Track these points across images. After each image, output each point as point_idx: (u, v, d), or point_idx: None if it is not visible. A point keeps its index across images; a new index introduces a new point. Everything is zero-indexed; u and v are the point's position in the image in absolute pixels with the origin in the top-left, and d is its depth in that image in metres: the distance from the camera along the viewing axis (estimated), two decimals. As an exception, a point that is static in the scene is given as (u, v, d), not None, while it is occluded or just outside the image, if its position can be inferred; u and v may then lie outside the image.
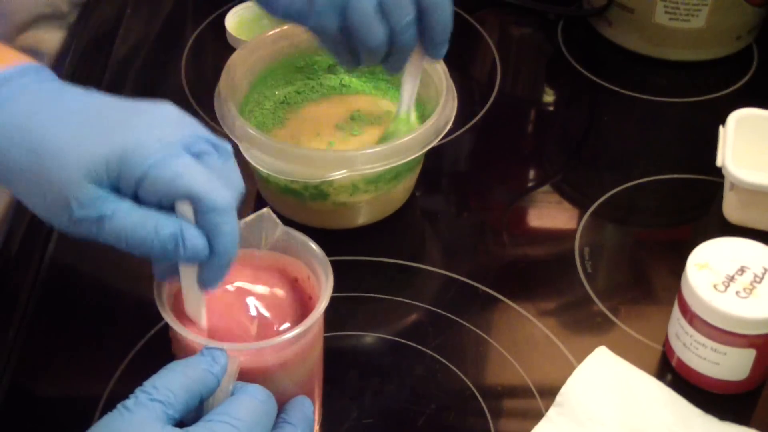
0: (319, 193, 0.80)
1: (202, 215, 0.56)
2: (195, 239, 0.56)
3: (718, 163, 0.83)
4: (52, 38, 0.98)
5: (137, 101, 0.59)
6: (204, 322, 0.61)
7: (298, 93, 0.88)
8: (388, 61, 0.76)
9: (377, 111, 0.87)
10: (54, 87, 0.60)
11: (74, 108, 0.58)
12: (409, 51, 0.76)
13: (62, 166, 0.55)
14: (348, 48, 0.75)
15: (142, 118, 0.57)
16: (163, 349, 0.64)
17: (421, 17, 0.74)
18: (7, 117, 0.57)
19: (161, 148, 0.56)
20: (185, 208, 0.56)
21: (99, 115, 0.57)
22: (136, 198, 0.57)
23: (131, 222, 0.56)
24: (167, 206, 0.57)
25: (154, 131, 0.56)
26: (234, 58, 0.84)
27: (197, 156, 0.57)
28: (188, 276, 0.59)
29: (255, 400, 0.56)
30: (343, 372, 0.74)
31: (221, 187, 0.57)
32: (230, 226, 0.57)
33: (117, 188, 0.56)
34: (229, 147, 0.59)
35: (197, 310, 0.61)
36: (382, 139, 0.83)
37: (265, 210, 0.65)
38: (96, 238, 0.57)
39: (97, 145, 0.56)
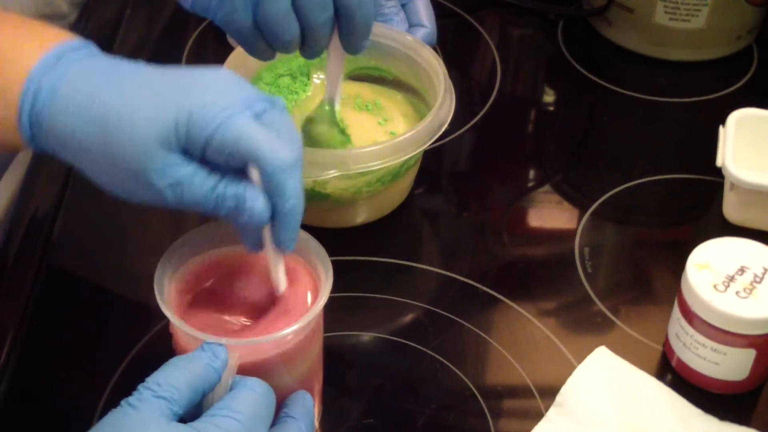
0: (318, 191, 0.80)
1: (266, 176, 0.57)
2: (255, 201, 0.57)
3: (718, 163, 0.83)
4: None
5: (190, 68, 0.59)
6: (283, 286, 0.63)
7: (298, 92, 0.88)
8: (304, 51, 0.74)
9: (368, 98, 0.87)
10: (107, 61, 0.60)
11: (132, 79, 0.59)
12: (324, 44, 0.74)
13: (133, 136, 0.56)
14: (261, 41, 0.73)
15: (201, 81, 0.58)
16: (163, 350, 0.64)
17: (339, 11, 0.72)
18: (68, 94, 0.58)
19: (225, 108, 0.56)
20: (253, 171, 0.57)
21: (158, 84, 0.58)
22: (203, 160, 0.57)
23: (205, 186, 0.57)
24: (236, 167, 0.57)
25: (215, 93, 0.57)
26: (234, 55, 0.84)
27: (258, 115, 0.58)
28: (269, 241, 0.60)
29: (255, 393, 0.56)
30: (343, 372, 0.74)
31: (283, 146, 0.57)
32: (294, 184, 0.58)
33: (185, 151, 0.57)
34: (282, 101, 0.60)
35: (277, 274, 0.62)
36: (305, 122, 0.82)
37: None
38: (172, 205, 0.58)
39: (163, 111, 0.56)
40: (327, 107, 0.81)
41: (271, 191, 0.57)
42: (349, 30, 0.73)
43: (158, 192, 0.57)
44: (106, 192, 0.60)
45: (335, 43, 0.75)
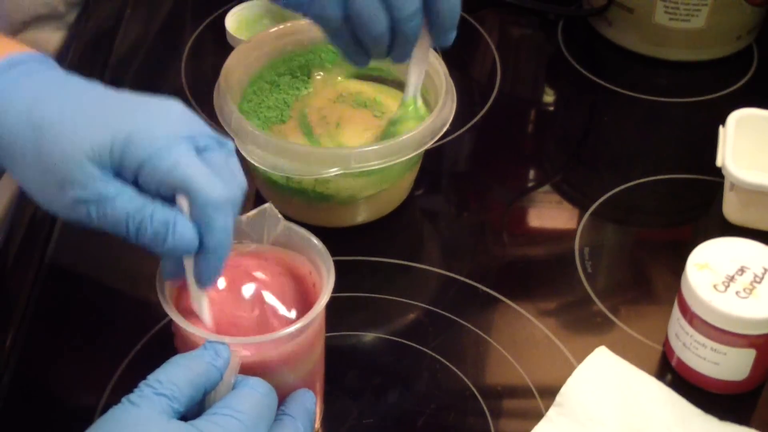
0: (319, 191, 0.80)
1: (196, 208, 0.56)
2: (184, 229, 0.56)
3: (718, 163, 0.83)
4: (50, 38, 0.98)
5: (142, 95, 0.59)
6: (207, 318, 0.62)
7: (299, 89, 0.88)
8: (394, 50, 0.74)
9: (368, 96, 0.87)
10: (58, 75, 0.60)
11: (79, 94, 0.58)
12: (414, 40, 0.74)
13: (65, 146, 0.56)
14: (353, 39, 0.73)
15: (149, 109, 0.58)
16: (163, 349, 0.64)
17: (428, 3, 0.72)
18: (11, 101, 0.58)
19: (165, 137, 0.56)
20: (183, 201, 0.57)
21: (104, 102, 0.58)
22: (136, 186, 0.57)
23: (130, 206, 0.56)
24: (166, 196, 0.57)
25: (160, 122, 0.57)
26: (235, 53, 0.84)
27: (200, 151, 0.58)
28: (191, 272, 0.60)
29: (257, 392, 0.56)
30: (343, 372, 0.74)
31: (218, 182, 0.57)
32: (223, 221, 0.57)
33: (118, 174, 0.57)
34: (231, 145, 0.60)
35: (200, 307, 0.61)
36: (389, 125, 0.82)
37: (267, 205, 0.65)
38: (94, 222, 0.57)
39: (102, 127, 0.56)
40: (411, 106, 0.82)
41: (199, 225, 0.57)
42: (438, 19, 0.73)
43: (82, 206, 0.56)
44: (35, 202, 0.59)
45: (421, 39, 0.75)
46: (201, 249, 0.58)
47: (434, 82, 0.83)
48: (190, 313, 0.63)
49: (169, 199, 0.57)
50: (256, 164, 0.77)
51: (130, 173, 0.57)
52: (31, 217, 0.84)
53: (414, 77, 0.81)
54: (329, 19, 0.72)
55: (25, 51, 0.61)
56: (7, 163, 0.59)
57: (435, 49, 0.87)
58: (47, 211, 0.59)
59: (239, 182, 0.59)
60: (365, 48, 0.74)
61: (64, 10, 1.00)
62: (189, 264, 0.59)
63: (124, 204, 0.56)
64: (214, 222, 0.57)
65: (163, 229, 0.56)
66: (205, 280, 0.59)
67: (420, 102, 0.82)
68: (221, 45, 1.01)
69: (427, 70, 0.84)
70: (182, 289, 0.64)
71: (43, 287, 0.79)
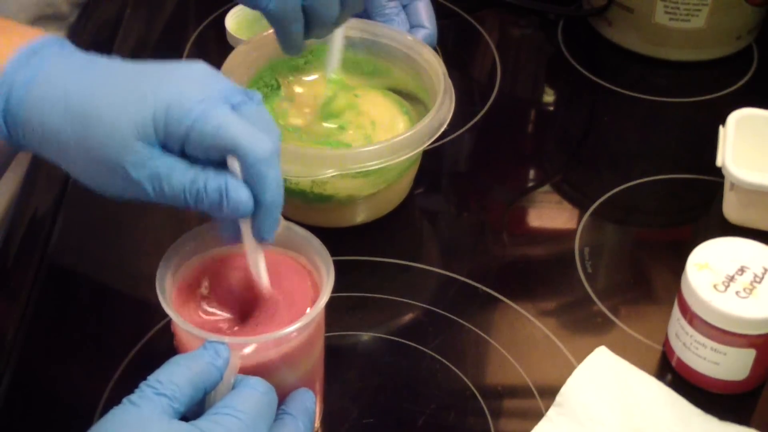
0: (317, 192, 0.80)
1: (247, 167, 0.57)
2: (238, 191, 0.57)
3: (718, 163, 0.83)
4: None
5: (164, 62, 0.60)
6: (265, 279, 0.63)
7: (299, 90, 0.88)
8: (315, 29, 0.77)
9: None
10: (81, 56, 0.60)
11: (108, 74, 0.59)
12: (347, 17, 0.78)
13: (111, 130, 0.56)
14: (300, 28, 0.75)
15: (179, 75, 0.58)
16: (164, 349, 0.64)
17: None
18: (43, 90, 0.58)
19: (203, 100, 0.57)
20: (233, 162, 0.57)
21: (134, 78, 0.58)
22: (183, 154, 0.57)
23: (184, 179, 0.57)
24: (215, 159, 0.57)
25: (193, 86, 0.57)
26: (234, 54, 0.84)
27: (235, 108, 0.58)
28: (248, 233, 0.60)
29: (257, 392, 0.56)
30: (343, 372, 0.74)
31: (262, 137, 0.57)
32: (274, 175, 0.58)
33: (164, 145, 0.57)
34: (259, 95, 0.60)
35: (257, 268, 0.62)
36: (324, 105, 0.84)
37: None
38: (152, 199, 0.57)
39: (141, 104, 0.56)
40: (336, 78, 0.84)
41: (252, 182, 0.58)
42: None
43: (138, 185, 0.57)
44: (87, 187, 0.60)
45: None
46: (258, 206, 0.58)
47: (432, 82, 0.83)
48: (189, 314, 0.63)
49: (219, 161, 0.58)
50: None
51: (177, 143, 0.57)
52: (31, 217, 0.84)
53: (336, 52, 0.84)
54: (289, 9, 0.73)
55: (41, 35, 0.60)
56: (53, 154, 0.59)
57: (435, 49, 0.87)
58: (102, 195, 0.59)
59: (277, 132, 0.60)
60: (309, 32, 0.76)
61: (67, 10, 1.00)
62: (245, 226, 0.60)
63: (178, 178, 0.57)
64: (267, 177, 0.57)
65: (218, 196, 0.57)
66: (266, 236, 0.60)
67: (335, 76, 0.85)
68: (221, 45, 1.01)
69: (426, 70, 0.84)
70: (182, 290, 0.64)
71: (43, 287, 0.79)
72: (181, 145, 0.57)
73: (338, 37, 0.84)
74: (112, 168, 0.57)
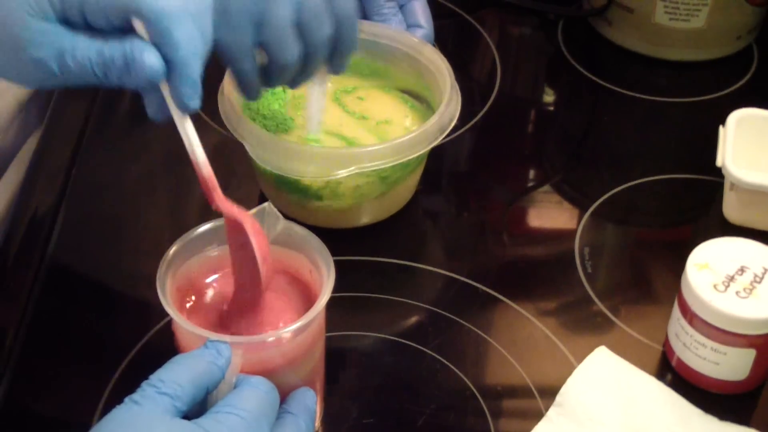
0: (324, 191, 0.80)
1: (150, 27, 0.54)
2: (144, 55, 0.54)
3: (718, 163, 0.83)
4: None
5: None
6: (199, 150, 0.59)
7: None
8: (294, 78, 0.72)
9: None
10: None
11: None
12: (316, 68, 0.73)
13: (6, 9, 0.53)
14: (252, 66, 0.70)
15: None
16: (164, 349, 0.64)
17: (333, 32, 0.71)
18: None
19: None
20: (138, 26, 0.54)
21: None
22: (88, 27, 0.54)
23: (89, 52, 0.54)
24: (121, 26, 0.54)
25: None
26: None
27: None
28: (171, 103, 0.57)
29: (258, 391, 0.56)
30: (343, 372, 0.74)
31: None
32: (183, 32, 0.54)
33: (66, 20, 0.54)
34: None
35: (188, 138, 0.58)
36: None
37: (266, 204, 0.65)
38: (60, 79, 0.55)
39: None
40: (312, 137, 0.81)
41: (160, 43, 0.54)
42: (340, 46, 0.72)
43: (43, 65, 0.54)
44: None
45: (321, 73, 0.75)
46: (171, 68, 0.55)
47: (436, 80, 0.83)
48: (189, 313, 0.63)
49: (126, 28, 0.54)
50: (270, 169, 0.77)
51: (76, 14, 0.54)
52: (31, 217, 0.84)
53: (315, 109, 0.80)
54: (240, 46, 0.68)
55: None
56: None
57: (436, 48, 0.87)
58: (16, 82, 0.57)
59: None
60: (269, 77, 0.71)
61: None
62: (167, 93, 0.57)
63: (83, 51, 0.54)
64: (173, 35, 0.54)
65: (124, 62, 0.54)
66: (185, 101, 0.56)
67: (321, 135, 0.82)
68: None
69: (429, 68, 0.84)
70: (182, 290, 0.64)
71: (43, 287, 0.79)
72: (82, 17, 0.54)
73: (315, 94, 0.80)
74: (14, 49, 0.54)
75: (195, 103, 0.57)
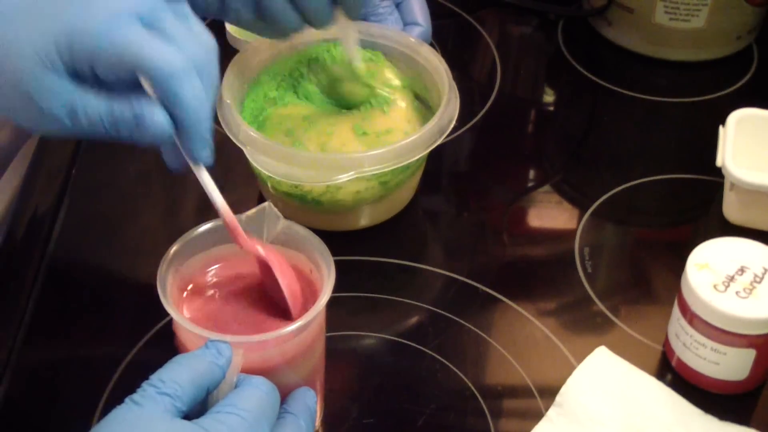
0: (324, 197, 0.80)
1: (157, 86, 0.54)
2: (153, 115, 0.54)
3: (718, 163, 0.83)
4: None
5: None
6: (219, 199, 0.60)
7: (300, 95, 0.88)
8: (316, 14, 0.74)
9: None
10: None
11: (13, 2, 0.55)
12: (327, 19, 0.75)
13: (18, 61, 0.53)
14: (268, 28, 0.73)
15: None
16: (163, 349, 0.64)
17: None
18: None
19: (108, 19, 0.53)
20: (146, 83, 0.54)
21: (37, 2, 0.55)
22: (98, 80, 0.54)
23: (99, 108, 0.54)
24: (128, 80, 0.54)
25: (98, 4, 0.54)
26: (236, 60, 0.84)
27: (149, 23, 0.54)
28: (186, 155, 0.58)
29: (259, 391, 0.56)
30: (343, 372, 0.74)
31: (172, 51, 0.54)
32: (189, 90, 0.54)
33: (75, 72, 0.54)
34: (184, 5, 0.57)
35: (206, 186, 0.60)
36: (330, 83, 0.83)
37: (266, 204, 0.65)
38: (70, 130, 0.55)
39: (44, 30, 0.53)
40: (348, 66, 0.82)
41: (167, 102, 0.55)
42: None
43: (54, 118, 0.54)
44: (9, 120, 0.57)
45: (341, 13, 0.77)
46: (179, 126, 0.55)
47: (434, 80, 0.83)
48: (190, 313, 0.63)
49: (136, 83, 0.55)
50: (269, 174, 0.77)
51: (86, 68, 0.54)
52: (31, 217, 0.84)
53: (348, 46, 0.81)
54: (245, 23, 0.71)
55: None
56: None
57: (431, 46, 0.87)
58: (33, 132, 0.58)
59: (202, 42, 0.56)
60: (301, 11, 0.73)
61: None
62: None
63: (93, 107, 0.54)
64: (180, 94, 0.54)
65: (134, 122, 0.54)
66: (196, 156, 0.57)
67: (358, 64, 0.82)
68: (222, 45, 1.00)
69: (428, 69, 0.83)
70: (183, 289, 0.64)
71: (43, 287, 0.79)
72: (92, 71, 0.54)
73: (350, 30, 0.80)
74: (25, 101, 0.54)
75: (206, 157, 0.57)
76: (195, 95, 0.55)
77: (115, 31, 0.53)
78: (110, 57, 0.54)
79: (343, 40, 0.82)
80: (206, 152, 0.57)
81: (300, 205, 0.81)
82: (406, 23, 0.89)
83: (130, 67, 0.54)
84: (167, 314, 0.60)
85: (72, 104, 0.54)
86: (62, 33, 0.53)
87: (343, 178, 0.75)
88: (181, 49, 0.55)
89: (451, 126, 0.79)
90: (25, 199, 0.86)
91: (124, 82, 0.55)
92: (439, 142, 0.79)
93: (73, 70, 0.54)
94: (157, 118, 0.54)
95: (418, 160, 0.79)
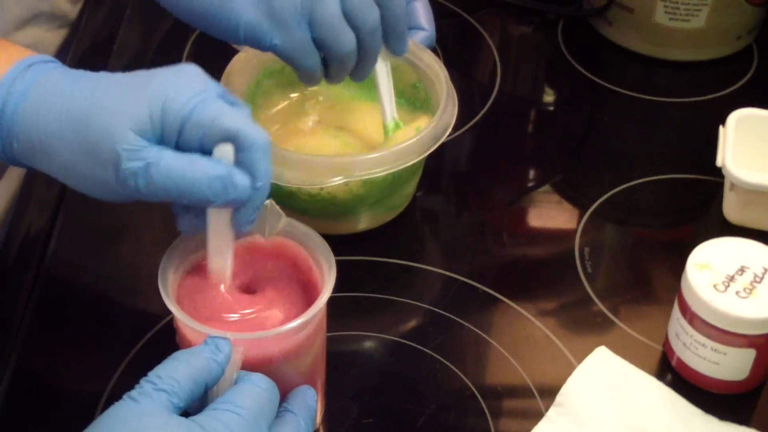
0: (323, 198, 0.80)
1: (243, 153, 0.57)
2: (242, 178, 0.57)
3: (718, 163, 0.84)
4: (51, 37, 0.98)
5: (154, 69, 0.60)
6: (230, 272, 0.63)
7: (300, 99, 0.88)
8: (356, 67, 0.74)
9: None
10: (74, 71, 0.61)
11: (102, 79, 0.59)
12: (376, 54, 0.74)
13: (107, 121, 0.57)
14: (315, 61, 0.72)
15: (172, 74, 0.59)
16: (163, 349, 0.64)
17: (381, 14, 0.73)
18: (39, 95, 0.58)
19: (199, 92, 0.57)
20: (226, 150, 0.57)
21: (128, 82, 0.59)
22: (178, 149, 0.58)
23: (180, 167, 0.57)
24: (208, 151, 0.58)
25: (189, 80, 0.58)
26: (234, 62, 0.83)
27: (231, 103, 0.59)
28: (217, 223, 0.61)
29: (258, 388, 0.57)
30: (343, 372, 0.74)
31: (258, 128, 0.58)
32: (267, 164, 0.59)
33: (160, 140, 0.58)
34: (249, 107, 0.61)
35: (224, 260, 0.62)
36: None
37: (268, 201, 0.65)
38: (145, 192, 0.57)
39: (137, 100, 0.57)
40: (390, 125, 0.82)
41: (247, 169, 0.58)
42: (391, 27, 0.74)
43: (129, 177, 0.57)
44: (79, 191, 0.60)
45: (380, 55, 0.76)
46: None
47: (435, 87, 0.83)
48: (191, 310, 0.63)
49: (209, 154, 0.58)
50: None
51: (172, 135, 0.57)
52: (31, 217, 0.84)
53: (386, 97, 0.81)
54: (296, 44, 0.70)
55: (30, 54, 0.61)
56: (43, 160, 0.59)
57: (435, 50, 0.87)
58: (93, 196, 0.60)
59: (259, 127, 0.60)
60: (328, 69, 0.73)
61: (67, 9, 1.00)
62: (215, 216, 0.60)
63: (173, 167, 0.57)
64: (262, 164, 0.58)
65: (220, 183, 0.57)
66: (245, 225, 0.60)
67: (396, 117, 0.82)
68: (221, 46, 1.00)
69: (428, 74, 0.83)
70: (184, 286, 0.64)
71: (43, 288, 0.79)
72: (176, 140, 0.57)
73: (383, 81, 0.80)
74: (105, 162, 0.57)
75: (251, 227, 0.61)
76: (269, 168, 0.59)
77: (209, 101, 0.57)
78: (202, 123, 0.57)
79: (380, 90, 0.81)
80: (254, 223, 0.61)
81: (296, 208, 0.81)
82: (411, 27, 0.89)
83: (222, 133, 0.57)
84: (167, 314, 0.61)
85: (151, 161, 0.57)
86: (157, 100, 0.57)
87: (334, 182, 0.75)
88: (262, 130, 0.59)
89: (446, 135, 0.79)
90: (25, 199, 0.86)
91: (198, 150, 0.58)
92: (431, 150, 0.78)
93: (160, 140, 0.57)
94: (245, 180, 0.58)
95: (413, 165, 0.78)
